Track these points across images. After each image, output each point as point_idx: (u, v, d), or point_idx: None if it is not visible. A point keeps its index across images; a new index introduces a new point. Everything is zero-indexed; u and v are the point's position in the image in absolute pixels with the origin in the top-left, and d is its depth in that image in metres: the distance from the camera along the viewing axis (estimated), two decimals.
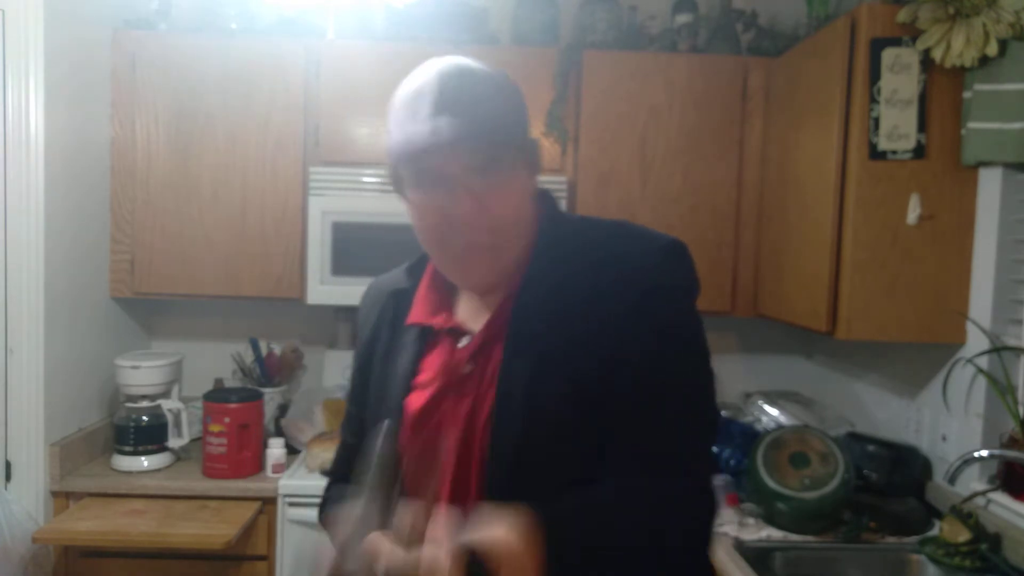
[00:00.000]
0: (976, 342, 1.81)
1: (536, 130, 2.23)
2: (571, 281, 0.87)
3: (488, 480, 0.85)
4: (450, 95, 0.83)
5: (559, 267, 0.89)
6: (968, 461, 1.66)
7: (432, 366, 0.93)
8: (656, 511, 0.81)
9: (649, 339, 0.84)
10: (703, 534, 0.86)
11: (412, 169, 0.87)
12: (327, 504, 1.04)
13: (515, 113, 0.88)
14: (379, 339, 1.00)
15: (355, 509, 0.79)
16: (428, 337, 0.95)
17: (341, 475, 1.05)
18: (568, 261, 0.89)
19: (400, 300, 0.99)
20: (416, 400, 0.92)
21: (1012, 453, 1.65)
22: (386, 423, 0.82)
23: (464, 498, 0.87)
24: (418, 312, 0.96)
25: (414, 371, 0.94)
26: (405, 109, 0.86)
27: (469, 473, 0.87)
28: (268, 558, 2.09)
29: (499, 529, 0.71)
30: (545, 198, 0.96)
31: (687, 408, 0.85)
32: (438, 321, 0.94)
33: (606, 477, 0.84)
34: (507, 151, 0.86)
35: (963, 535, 1.65)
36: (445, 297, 0.97)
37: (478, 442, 0.87)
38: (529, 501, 0.79)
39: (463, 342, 0.92)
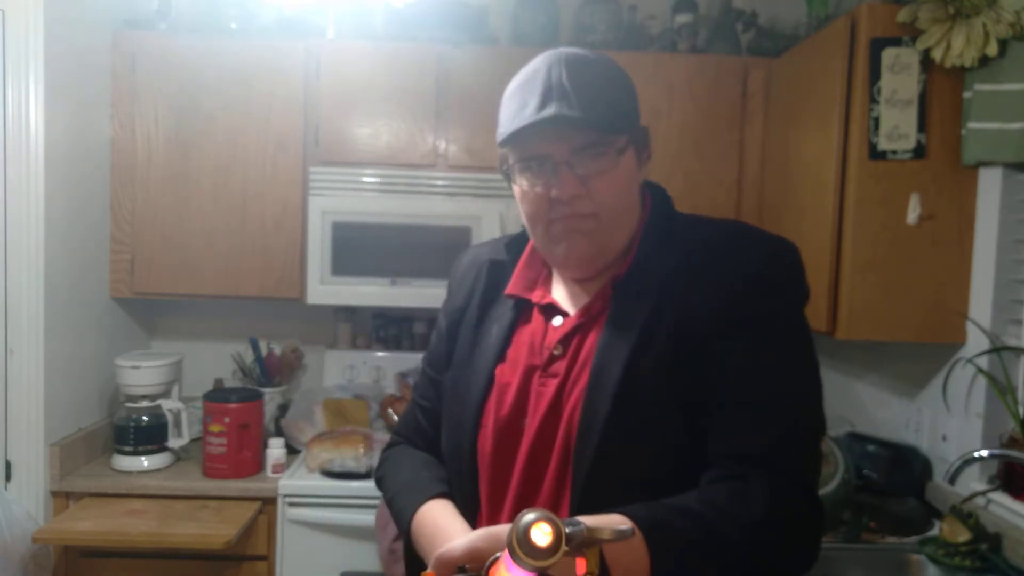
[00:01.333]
0: (976, 342, 1.81)
1: None
2: (677, 272, 0.88)
3: (574, 464, 0.85)
4: (558, 81, 0.85)
5: (666, 258, 0.90)
6: (968, 461, 1.67)
7: (523, 341, 0.94)
8: (764, 530, 0.77)
9: (748, 335, 0.84)
10: (810, 545, 0.82)
11: (520, 153, 0.89)
12: (387, 464, 1.07)
13: (624, 99, 0.90)
14: (471, 306, 1.01)
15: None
16: (522, 312, 0.97)
17: (405, 436, 1.09)
18: (676, 254, 0.90)
19: (496, 271, 1.00)
20: (505, 372, 0.93)
21: (1012, 453, 1.65)
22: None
23: (539, 481, 0.88)
24: (516, 284, 0.97)
25: (506, 342, 0.95)
26: (515, 95, 0.88)
27: (549, 457, 0.88)
28: (268, 558, 2.09)
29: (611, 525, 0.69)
30: (657, 191, 0.98)
31: (786, 410, 0.83)
32: (536, 296, 0.96)
33: (694, 474, 0.83)
34: (613, 136, 0.87)
35: (963, 535, 1.64)
36: (542, 276, 0.99)
37: (563, 426, 0.87)
38: (608, 488, 0.81)
39: (556, 322, 0.93)
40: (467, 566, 0.68)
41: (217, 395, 2.21)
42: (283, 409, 2.45)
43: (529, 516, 0.58)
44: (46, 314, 2.03)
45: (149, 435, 2.20)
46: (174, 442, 2.24)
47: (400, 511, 0.97)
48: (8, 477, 2.02)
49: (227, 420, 2.13)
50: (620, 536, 0.63)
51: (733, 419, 0.82)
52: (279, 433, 2.33)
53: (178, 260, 2.30)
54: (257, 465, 2.18)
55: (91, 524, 1.94)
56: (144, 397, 2.22)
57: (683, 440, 0.83)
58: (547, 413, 0.89)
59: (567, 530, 0.59)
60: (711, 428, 0.82)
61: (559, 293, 0.97)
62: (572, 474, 0.85)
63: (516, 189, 0.92)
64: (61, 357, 2.11)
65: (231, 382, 2.54)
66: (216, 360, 2.57)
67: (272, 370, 2.50)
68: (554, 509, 0.85)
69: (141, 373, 2.20)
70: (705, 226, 0.94)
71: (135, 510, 2.02)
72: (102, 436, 2.30)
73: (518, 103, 0.87)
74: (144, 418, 2.20)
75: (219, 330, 2.62)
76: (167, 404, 2.23)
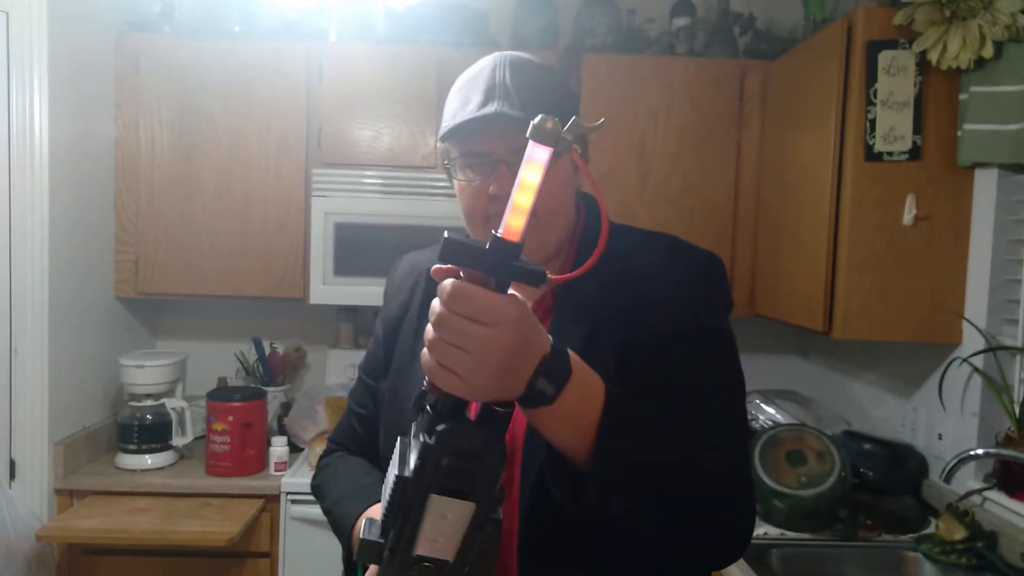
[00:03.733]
0: (972, 342, 1.82)
1: None
2: (615, 287, 0.90)
3: (521, 474, 0.85)
4: (501, 80, 0.88)
5: (603, 263, 0.90)
6: (964, 459, 1.68)
7: None
8: (693, 464, 0.78)
9: (688, 347, 0.86)
10: (734, 515, 0.81)
11: (461, 150, 0.90)
12: (324, 472, 1.07)
13: (564, 104, 0.91)
14: (409, 314, 1.01)
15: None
16: None
17: (342, 443, 1.10)
18: (612, 259, 0.90)
19: (430, 278, 0.99)
20: None
21: (1008, 452, 1.66)
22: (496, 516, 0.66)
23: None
24: None
25: None
26: (459, 92, 0.91)
27: (513, 460, 0.87)
28: (271, 555, 2.10)
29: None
30: (591, 201, 1.01)
31: (721, 411, 0.86)
32: None
33: None
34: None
35: (959, 533, 1.66)
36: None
37: (521, 426, 0.87)
38: (565, 473, 0.77)
39: None
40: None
41: (220, 394, 2.22)
42: (286, 408, 2.47)
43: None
44: (50, 314, 2.05)
45: (153, 433, 2.21)
46: (178, 440, 2.25)
47: (341, 518, 0.96)
48: (12, 475, 2.03)
49: (230, 419, 2.15)
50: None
51: (678, 406, 0.84)
52: (282, 431, 2.35)
53: (182, 260, 2.32)
54: (260, 463, 2.20)
55: (95, 522, 1.96)
56: (148, 396, 2.24)
57: None
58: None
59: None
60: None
61: None
62: (520, 479, 0.85)
63: (456, 184, 0.94)
64: (65, 356, 2.13)
65: (234, 381, 2.56)
66: (219, 359, 2.58)
67: (275, 369, 2.52)
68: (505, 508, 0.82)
69: (145, 372, 2.22)
70: (640, 240, 0.97)
71: (139, 508, 2.04)
72: (106, 435, 2.32)
73: (461, 99, 0.89)
74: (148, 417, 2.22)
75: (222, 330, 2.64)
76: (171, 403, 2.25)
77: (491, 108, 0.86)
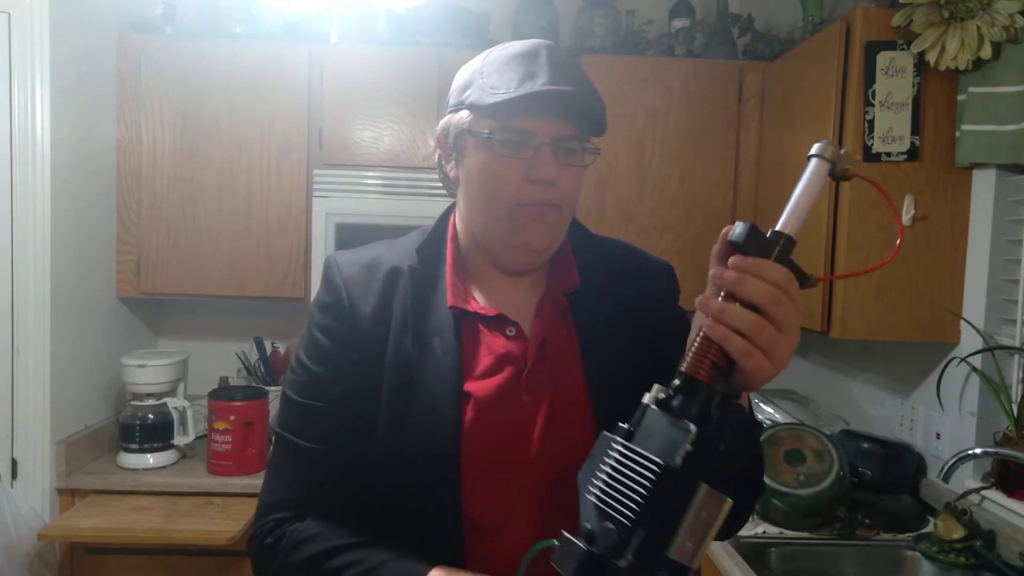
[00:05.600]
0: (970, 341, 1.83)
1: None
2: (612, 280, 0.95)
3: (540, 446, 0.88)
4: (560, 63, 0.84)
5: (599, 265, 0.96)
6: (962, 459, 1.69)
7: (486, 354, 0.88)
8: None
9: (677, 343, 0.88)
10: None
11: (504, 122, 0.84)
12: (308, 545, 0.83)
13: (602, 107, 0.90)
14: (394, 319, 0.89)
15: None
16: (460, 322, 0.89)
17: (306, 503, 0.87)
18: (603, 262, 0.97)
19: (418, 278, 0.91)
20: (480, 388, 0.86)
21: (1005, 451, 1.67)
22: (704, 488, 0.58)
23: (536, 489, 0.86)
24: (455, 296, 0.90)
25: (461, 355, 0.87)
26: (511, 64, 0.84)
27: (547, 466, 0.86)
28: None
29: None
30: None
31: None
32: (474, 305, 0.90)
33: None
34: (592, 130, 0.88)
35: (957, 532, 1.66)
36: (468, 286, 0.93)
37: (565, 433, 0.87)
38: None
39: (510, 332, 0.90)
40: None
41: (222, 393, 2.23)
42: None
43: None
44: (52, 314, 2.06)
45: (155, 433, 2.22)
46: (179, 440, 2.26)
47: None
48: (14, 475, 2.04)
49: (232, 418, 2.15)
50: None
51: None
52: None
53: (184, 261, 2.33)
54: (262, 462, 2.21)
55: (97, 521, 1.96)
56: (150, 395, 2.25)
57: None
58: (546, 425, 0.87)
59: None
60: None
61: (494, 300, 0.92)
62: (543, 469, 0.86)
63: (475, 161, 0.86)
64: (67, 356, 2.14)
65: (236, 381, 2.57)
66: (221, 359, 2.59)
67: (276, 369, 2.53)
68: (561, 520, 0.74)
69: (147, 372, 2.23)
70: (607, 240, 1.03)
71: (140, 507, 2.04)
72: (108, 434, 2.33)
73: (522, 71, 0.82)
74: (150, 416, 2.23)
75: (224, 329, 2.65)
76: (173, 402, 2.26)
77: (566, 87, 0.81)
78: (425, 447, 0.84)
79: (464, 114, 0.87)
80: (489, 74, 0.85)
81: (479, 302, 0.92)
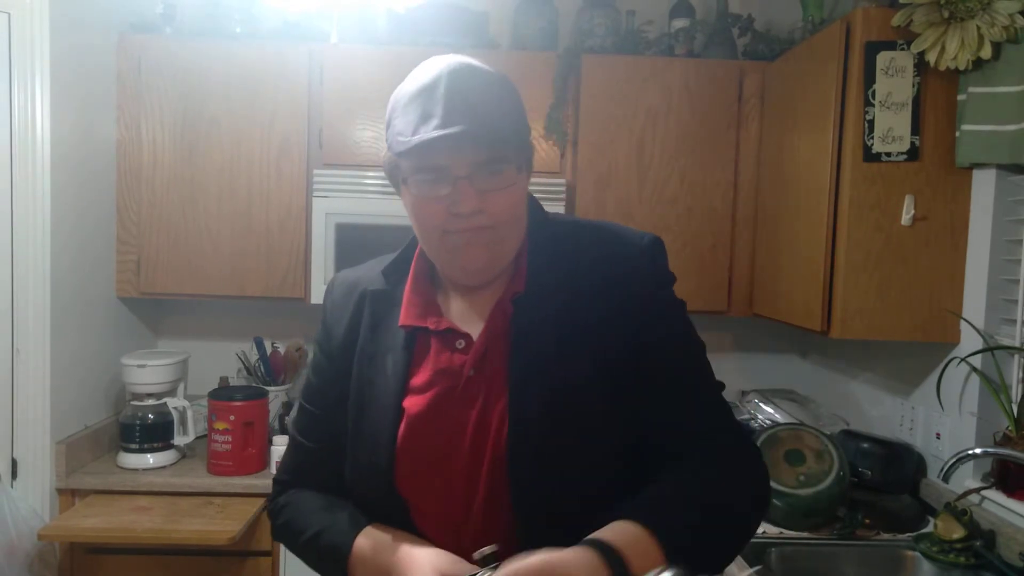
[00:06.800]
0: (970, 341, 1.83)
1: (536, 133, 2.26)
2: (570, 279, 0.92)
3: (511, 477, 0.85)
4: (459, 94, 0.84)
5: (556, 264, 0.93)
6: (962, 459, 1.68)
7: (427, 369, 0.92)
8: (731, 479, 0.87)
9: (658, 325, 0.91)
10: (767, 486, 0.93)
11: (417, 163, 0.86)
12: (288, 510, 0.99)
13: (517, 115, 0.90)
14: (359, 339, 0.97)
15: None
16: (416, 339, 0.94)
17: (293, 482, 1.02)
18: (563, 258, 0.94)
19: (378, 301, 0.97)
20: (415, 403, 0.90)
21: (1005, 451, 1.67)
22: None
23: (471, 499, 0.88)
24: (408, 314, 0.94)
25: (407, 373, 0.92)
26: (414, 106, 0.85)
27: (479, 479, 0.88)
28: (272, 554, 2.11)
29: (610, 530, 0.75)
30: (532, 201, 0.99)
31: (708, 382, 0.93)
32: (431, 322, 0.93)
33: (629, 475, 0.88)
34: (509, 151, 0.88)
35: (957, 532, 1.66)
36: (430, 300, 0.96)
37: (491, 444, 0.87)
38: (554, 499, 0.83)
39: (459, 344, 0.91)
40: None
41: (222, 393, 2.23)
42: (287, 407, 2.47)
43: None
44: (52, 314, 2.06)
45: (155, 433, 2.22)
46: (179, 440, 2.26)
47: (330, 547, 0.91)
48: (14, 475, 2.04)
49: (232, 418, 2.15)
50: None
51: (665, 402, 0.89)
52: (283, 431, 2.36)
53: (184, 260, 2.33)
54: (262, 462, 2.21)
55: (97, 521, 1.96)
56: (150, 395, 2.25)
57: (617, 439, 0.88)
58: (473, 437, 0.88)
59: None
60: (648, 416, 0.88)
61: (452, 314, 0.95)
62: (512, 491, 0.85)
63: (408, 198, 0.90)
64: (67, 356, 2.14)
65: (236, 381, 2.57)
66: (221, 359, 2.59)
67: (276, 369, 2.53)
68: (503, 527, 0.86)
69: (147, 372, 2.23)
70: (580, 229, 0.98)
71: (140, 507, 2.04)
72: (108, 434, 2.33)
73: (418, 113, 0.84)
74: (150, 416, 2.23)
75: (224, 329, 2.65)
76: (173, 402, 2.26)
77: (456, 128, 0.82)
78: (369, 464, 0.92)
79: (390, 154, 0.90)
80: (398, 115, 0.87)
81: (441, 315, 0.95)
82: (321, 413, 1.00)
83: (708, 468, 0.86)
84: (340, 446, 0.96)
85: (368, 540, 0.90)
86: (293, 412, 1.02)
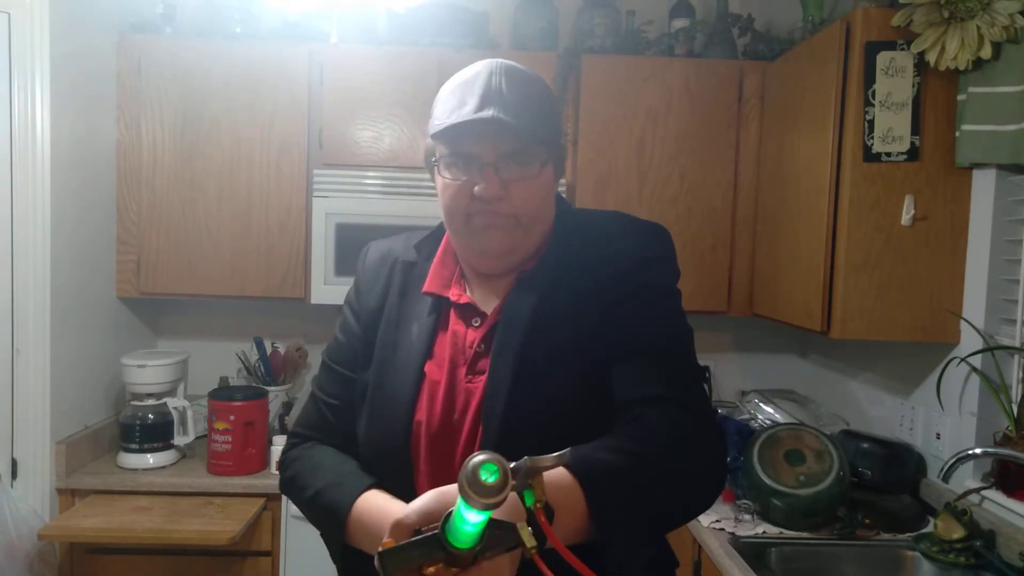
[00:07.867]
0: (970, 341, 1.83)
1: None
2: (571, 260, 0.97)
3: (482, 445, 0.89)
4: (497, 87, 0.91)
5: (565, 252, 0.98)
6: (962, 459, 1.68)
7: (446, 340, 0.97)
8: (678, 450, 0.85)
9: (636, 300, 0.93)
10: (722, 469, 0.92)
11: (449, 148, 0.93)
12: (298, 464, 1.01)
13: (548, 113, 0.96)
14: (388, 304, 1.02)
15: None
16: (440, 310, 0.99)
17: (309, 435, 1.04)
18: (572, 246, 0.98)
19: (409, 272, 1.03)
20: (433, 370, 0.96)
21: (1005, 451, 1.67)
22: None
23: None
24: (433, 282, 1.00)
25: (431, 340, 0.97)
26: (453, 95, 0.93)
27: (476, 449, 0.90)
28: (272, 554, 2.11)
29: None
30: (561, 200, 1.04)
31: (674, 355, 0.93)
32: (453, 293, 0.99)
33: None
34: (538, 148, 0.94)
35: (957, 532, 1.66)
36: (456, 275, 1.02)
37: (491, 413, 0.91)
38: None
39: (476, 323, 0.97)
40: (423, 528, 0.70)
41: (222, 393, 2.23)
42: (287, 407, 2.48)
43: (476, 458, 0.61)
44: (52, 314, 2.06)
45: (155, 433, 2.22)
46: (179, 440, 2.26)
47: (332, 505, 0.93)
48: (15, 475, 2.04)
49: (232, 418, 2.16)
50: (559, 461, 0.67)
51: (631, 370, 0.90)
52: (283, 431, 2.36)
53: (184, 261, 2.33)
54: (261, 462, 2.21)
55: (97, 521, 1.97)
56: (150, 395, 2.25)
57: (592, 416, 0.89)
58: (476, 411, 0.92)
59: (511, 464, 0.63)
60: (613, 383, 0.90)
61: (473, 293, 1.00)
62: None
63: (439, 181, 0.96)
64: (67, 356, 2.14)
65: (236, 381, 2.57)
66: (221, 359, 2.60)
67: (276, 369, 2.53)
68: None
69: (147, 372, 2.23)
70: (592, 217, 1.04)
71: (140, 507, 2.04)
72: (108, 434, 2.33)
73: (456, 101, 0.92)
74: (150, 416, 2.23)
75: (224, 329, 2.65)
76: (173, 402, 2.26)
77: (488, 112, 0.89)
78: (383, 418, 0.96)
79: (430, 139, 0.97)
80: (439, 104, 0.95)
81: (462, 290, 1.00)
82: (344, 371, 1.04)
83: (656, 431, 0.86)
84: (357, 405, 1.00)
85: (367, 505, 0.91)
86: (317, 370, 1.09)
